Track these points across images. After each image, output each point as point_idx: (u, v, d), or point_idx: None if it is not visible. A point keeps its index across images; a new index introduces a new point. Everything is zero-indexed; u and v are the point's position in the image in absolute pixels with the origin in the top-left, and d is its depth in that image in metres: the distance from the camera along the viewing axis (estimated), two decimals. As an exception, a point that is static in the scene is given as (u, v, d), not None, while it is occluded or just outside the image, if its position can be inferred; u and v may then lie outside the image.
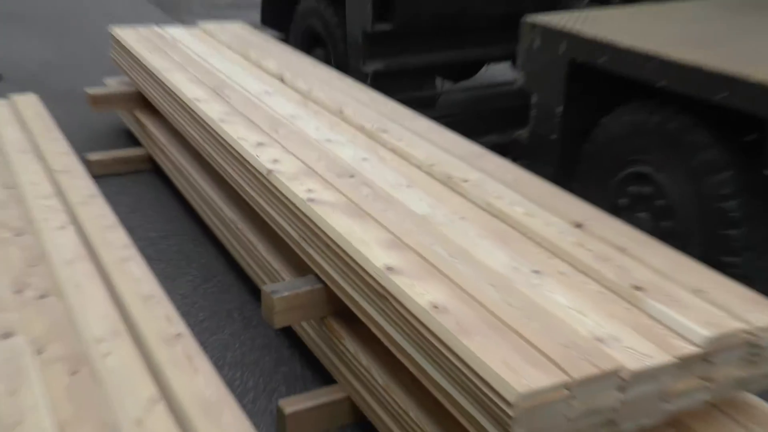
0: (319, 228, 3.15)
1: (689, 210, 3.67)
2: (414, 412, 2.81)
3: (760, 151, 3.31)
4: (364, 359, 3.08)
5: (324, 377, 3.48)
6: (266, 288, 3.23)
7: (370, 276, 2.81)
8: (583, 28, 4.09)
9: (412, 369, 2.67)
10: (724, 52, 3.61)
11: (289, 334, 3.79)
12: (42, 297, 2.85)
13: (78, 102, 6.83)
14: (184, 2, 11.38)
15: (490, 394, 2.23)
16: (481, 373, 2.27)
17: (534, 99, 4.40)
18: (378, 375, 3.00)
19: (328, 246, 3.11)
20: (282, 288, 3.23)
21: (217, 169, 4.26)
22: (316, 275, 3.26)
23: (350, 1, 5.76)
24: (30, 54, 8.59)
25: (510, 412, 2.16)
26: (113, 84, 6.16)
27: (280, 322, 3.22)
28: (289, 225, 3.44)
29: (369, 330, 2.94)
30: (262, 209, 3.71)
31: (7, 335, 2.59)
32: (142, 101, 5.77)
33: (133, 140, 6.06)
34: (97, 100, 5.95)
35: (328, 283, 3.17)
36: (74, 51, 8.70)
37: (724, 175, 3.54)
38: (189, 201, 4.98)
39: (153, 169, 5.70)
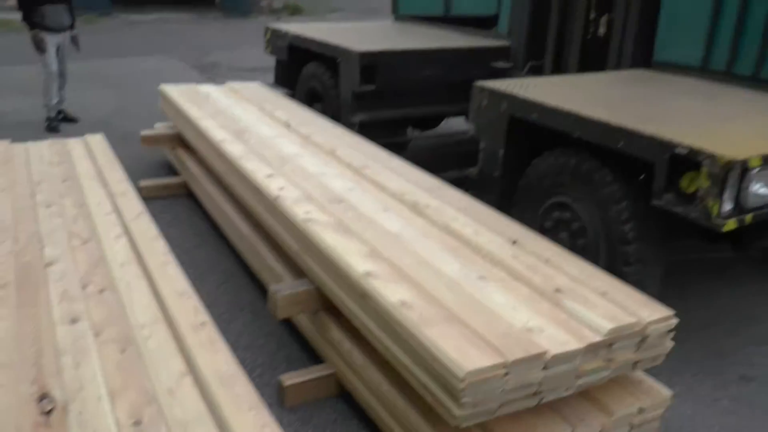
0: (314, 241, 3.13)
1: (597, 231, 3.66)
2: (385, 386, 2.80)
3: (649, 186, 3.30)
4: (347, 344, 3.05)
5: (315, 358, 3.43)
6: (272, 288, 3.20)
7: (353, 279, 2.80)
8: (520, 92, 4.09)
9: (384, 352, 2.66)
10: (622, 112, 3.61)
11: (288, 324, 3.73)
12: (101, 291, 2.84)
13: (134, 141, 6.80)
14: (216, 67, 11.36)
15: (445, 372, 2.26)
16: (438, 355, 2.29)
17: (482, 145, 4.39)
18: (358, 356, 2.98)
19: (320, 255, 3.09)
20: (284, 288, 3.21)
21: (236, 194, 4.22)
22: (311, 278, 3.22)
23: (343, 68, 5.75)
24: (100, 104, 8.57)
25: (460, 385, 2.19)
26: (160, 127, 6.11)
27: (282, 314, 3.21)
28: (291, 238, 3.42)
29: (351, 322, 2.91)
30: (270, 226, 3.69)
31: (74, 321, 2.60)
32: (181, 141, 5.73)
33: (173, 171, 6.01)
34: (148, 140, 5.92)
35: (320, 284, 3.14)
36: (133, 102, 8.68)
37: (622, 204, 3.53)
38: (214, 219, 4.94)
39: (188, 194, 5.64)
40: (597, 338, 2.44)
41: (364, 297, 2.73)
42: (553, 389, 2.41)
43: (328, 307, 3.23)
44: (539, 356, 2.30)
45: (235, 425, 2.10)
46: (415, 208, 3.49)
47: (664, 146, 3.18)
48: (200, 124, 4.94)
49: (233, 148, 4.36)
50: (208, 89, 6.16)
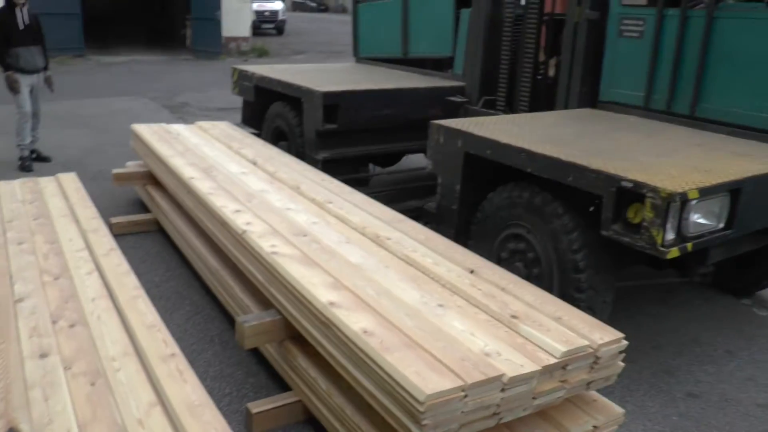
0: (279, 273, 3.11)
1: (550, 260, 3.69)
2: (349, 411, 2.77)
3: (598, 218, 3.35)
4: (312, 372, 3.02)
5: (282, 386, 3.38)
6: (239, 319, 3.17)
7: (317, 309, 2.79)
8: (474, 129, 4.13)
9: (348, 378, 2.64)
10: (571, 149, 3.67)
11: (256, 354, 3.69)
12: (72, 326, 2.81)
13: (105, 179, 6.77)
14: (186, 107, 11.32)
15: (406, 396, 2.25)
16: (399, 380, 2.28)
17: (439, 180, 4.42)
18: (323, 383, 2.95)
19: (285, 287, 3.06)
20: (251, 318, 3.18)
21: (205, 229, 4.19)
22: (277, 309, 3.20)
23: (306, 108, 5.78)
24: (73, 143, 8.45)
25: (420, 408, 2.18)
26: (132, 166, 6.05)
27: (249, 344, 3.17)
28: (257, 271, 3.39)
29: (316, 350, 2.89)
30: (237, 259, 3.65)
31: (44, 355, 2.56)
32: (152, 178, 5.67)
33: (144, 208, 5.94)
34: (120, 178, 5.85)
35: (286, 314, 3.11)
36: (105, 142, 8.59)
37: (573, 235, 3.57)
38: (184, 254, 4.88)
39: (159, 230, 5.57)
40: (552, 360, 2.46)
41: (327, 326, 2.71)
42: (510, 410, 2.41)
43: (294, 336, 3.20)
44: (497, 379, 2.30)
45: (204, 454, 2.06)
46: (377, 240, 3.49)
47: (611, 180, 3.24)
48: (170, 162, 4.91)
49: (202, 185, 4.33)
50: (178, 128, 6.13)
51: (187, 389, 2.39)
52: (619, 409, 2.84)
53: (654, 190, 3.05)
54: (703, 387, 3.69)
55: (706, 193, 3.13)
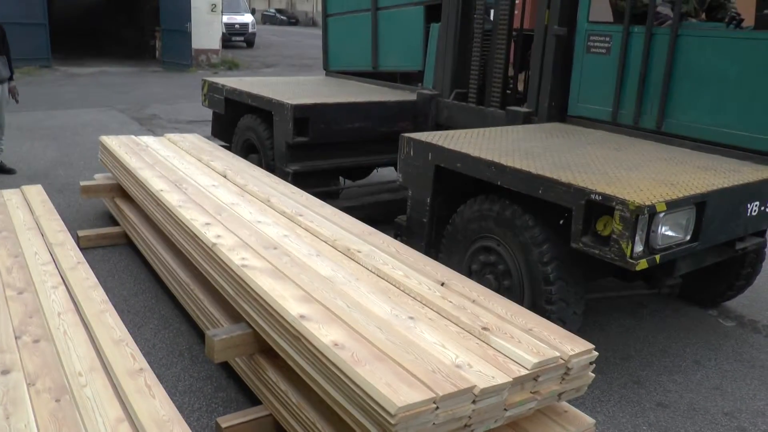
0: (249, 286, 3.09)
1: (521, 273, 3.72)
2: (320, 424, 2.75)
3: (568, 230, 3.38)
4: (282, 385, 3.00)
5: (252, 399, 3.35)
6: (209, 332, 3.13)
7: (287, 322, 2.77)
8: (444, 143, 4.16)
9: (318, 391, 2.62)
10: (540, 162, 3.71)
11: (226, 367, 3.65)
12: (36, 341, 2.75)
13: (73, 191, 6.71)
14: (155, 119, 11.22)
15: (377, 408, 2.24)
16: (370, 393, 2.27)
17: (410, 192, 4.44)
18: (293, 396, 2.92)
19: (256, 300, 3.04)
20: (221, 332, 3.14)
21: (174, 242, 4.15)
22: (247, 322, 3.17)
23: (277, 121, 5.77)
24: (38, 155, 8.33)
25: (391, 421, 2.17)
26: (100, 178, 5.98)
27: (219, 358, 3.13)
28: (227, 284, 3.36)
29: (287, 363, 2.87)
30: (207, 272, 3.62)
31: (6, 372, 2.51)
32: (120, 191, 5.61)
33: (113, 221, 5.86)
34: (87, 190, 5.76)
35: (256, 327, 3.08)
36: (72, 154, 8.47)
37: (543, 247, 3.60)
38: (153, 267, 4.82)
39: (127, 243, 5.49)
40: (523, 372, 2.47)
41: (298, 339, 2.69)
42: (482, 421, 2.41)
43: (264, 349, 3.17)
44: (468, 390, 2.29)
45: (172, 470, 2.03)
46: (347, 253, 3.48)
47: (580, 193, 3.28)
48: (139, 174, 4.85)
49: (171, 198, 4.28)
50: (147, 140, 6.07)
51: (155, 404, 2.36)
52: (590, 420, 2.86)
53: (623, 202, 3.09)
54: (671, 397, 3.73)
55: (673, 206, 3.18)
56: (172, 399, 2.43)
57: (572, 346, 2.66)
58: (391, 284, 3.15)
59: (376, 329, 2.66)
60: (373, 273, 3.27)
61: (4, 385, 2.41)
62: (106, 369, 2.57)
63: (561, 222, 3.54)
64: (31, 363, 2.57)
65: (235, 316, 3.46)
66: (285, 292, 2.96)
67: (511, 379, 2.41)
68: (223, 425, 3.05)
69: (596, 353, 2.70)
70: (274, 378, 3.04)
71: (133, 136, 6.20)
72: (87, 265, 3.55)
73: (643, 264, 3.16)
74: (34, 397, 2.36)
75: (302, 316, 2.73)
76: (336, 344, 2.51)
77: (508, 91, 5.36)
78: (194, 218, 3.89)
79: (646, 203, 3.06)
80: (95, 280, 3.38)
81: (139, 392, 2.42)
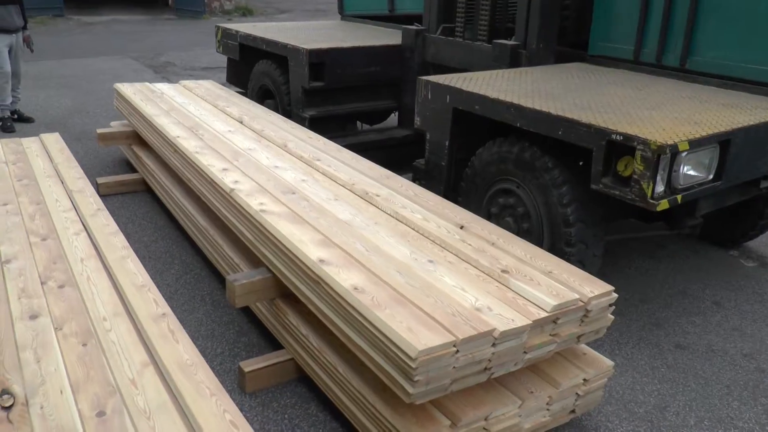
0: (269, 231, 3.09)
1: (540, 215, 3.69)
2: (341, 368, 2.77)
3: (588, 172, 3.34)
4: (303, 329, 3.02)
5: (274, 344, 3.38)
6: (229, 277, 3.15)
7: (307, 266, 2.77)
8: (462, 85, 4.08)
9: (339, 335, 2.63)
10: (560, 103, 3.64)
11: (247, 313, 3.68)
12: (61, 287, 2.78)
13: (90, 139, 6.72)
14: (170, 66, 11.14)
15: (397, 352, 2.24)
16: (390, 336, 2.27)
17: (428, 136, 4.38)
18: (314, 341, 2.94)
19: (275, 245, 3.04)
20: (241, 277, 3.15)
21: (193, 188, 4.15)
22: (267, 267, 3.18)
23: (292, 66, 5.70)
24: (55, 104, 8.33)
25: (412, 364, 2.17)
26: (116, 126, 5.95)
27: (240, 303, 3.15)
28: (246, 229, 3.36)
29: (307, 308, 2.88)
30: (226, 218, 3.62)
31: (35, 316, 2.54)
32: (137, 138, 5.59)
33: (131, 168, 5.87)
34: (104, 138, 5.75)
35: (276, 272, 3.09)
36: (88, 102, 8.46)
37: (563, 189, 3.56)
38: (172, 214, 4.83)
39: (146, 190, 5.52)
40: (542, 314, 2.46)
41: (317, 283, 2.69)
42: (502, 364, 2.42)
43: (284, 294, 3.19)
44: (488, 333, 2.30)
45: (198, 412, 2.05)
46: (366, 197, 3.47)
47: (601, 133, 3.21)
48: (155, 121, 4.83)
49: (188, 144, 4.27)
50: (162, 87, 6.03)
51: (179, 349, 2.38)
52: (608, 362, 2.87)
53: (644, 142, 3.03)
54: (690, 338, 3.73)
55: (696, 144, 3.11)
56: (194, 343, 2.45)
57: (591, 288, 2.65)
58: (410, 228, 3.14)
59: (395, 273, 2.66)
60: (392, 217, 3.25)
61: (33, 330, 2.44)
62: (130, 314, 2.59)
63: (581, 163, 3.48)
64: (58, 308, 2.60)
65: (255, 261, 3.48)
66: (304, 237, 2.96)
67: (530, 322, 2.40)
68: (246, 369, 3.09)
69: (616, 295, 2.69)
70: (295, 322, 3.06)
71: (147, 84, 6.16)
72: (107, 212, 3.57)
73: (664, 204, 3.11)
74: (62, 341, 2.39)
75: (322, 260, 2.73)
76: (356, 288, 2.52)
77: (497, 24, 5.23)
78: (211, 164, 3.88)
79: (668, 142, 2.99)
80: (116, 226, 3.40)
81: (162, 337, 2.44)
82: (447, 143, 4.22)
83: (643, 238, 4.77)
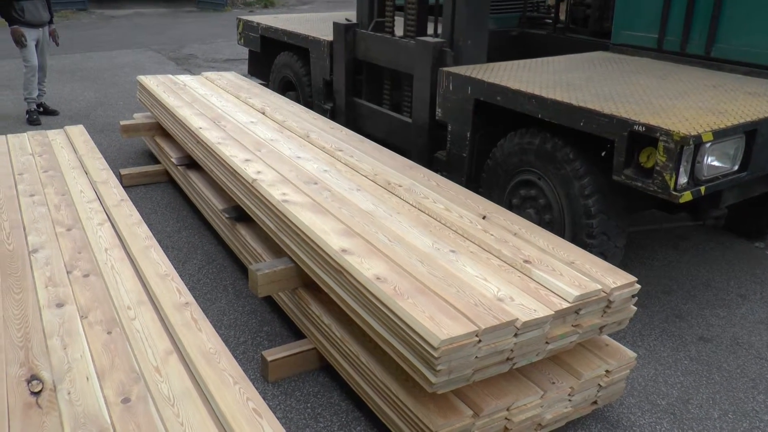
0: (291, 221, 3.10)
1: (562, 206, 3.67)
2: (364, 357, 2.78)
3: (610, 163, 3.31)
4: (326, 319, 3.03)
5: (296, 333, 3.41)
6: (252, 267, 3.16)
7: (329, 256, 2.78)
8: (484, 76, 4.07)
9: (361, 325, 2.64)
10: (582, 93, 3.61)
11: (270, 303, 3.71)
12: (86, 276, 2.82)
13: (113, 131, 6.79)
14: (192, 59, 11.20)
15: (420, 341, 2.24)
16: (413, 326, 2.28)
17: (449, 127, 4.37)
18: (336, 330, 2.95)
19: (297, 235, 3.06)
20: (264, 267, 3.17)
21: (215, 179, 4.17)
22: (289, 257, 3.19)
23: (314, 58, 5.71)
24: (79, 97, 8.41)
25: (434, 354, 2.18)
26: (139, 117, 6.00)
27: (262, 292, 3.16)
28: (269, 219, 3.38)
29: (329, 297, 2.89)
30: (249, 208, 3.64)
31: (61, 305, 2.58)
32: (160, 130, 5.64)
33: (153, 159, 5.92)
34: (127, 129, 5.80)
35: (298, 262, 3.11)
36: (111, 94, 8.53)
37: (585, 180, 3.54)
38: (195, 204, 4.87)
39: (168, 181, 5.58)
40: (565, 305, 2.46)
41: (340, 273, 2.71)
42: (524, 355, 2.42)
43: (306, 284, 3.21)
44: (510, 323, 2.30)
45: (221, 399, 2.07)
46: (388, 187, 3.47)
47: (623, 124, 3.19)
48: (178, 113, 4.87)
49: (211, 135, 4.29)
50: (185, 79, 6.07)
51: (202, 337, 2.40)
52: (631, 354, 2.85)
53: (667, 133, 3.00)
54: (714, 331, 3.69)
55: (720, 135, 3.08)
56: (217, 332, 2.47)
57: (614, 279, 2.63)
58: (432, 218, 3.14)
59: (417, 263, 2.66)
60: (414, 207, 3.26)
61: (59, 317, 2.48)
62: (154, 303, 2.62)
63: (603, 154, 3.46)
64: (83, 296, 2.64)
65: (277, 251, 3.50)
66: (326, 226, 2.97)
67: (552, 312, 2.40)
68: (269, 358, 3.11)
69: (638, 286, 2.67)
70: (318, 312, 3.08)
71: (170, 75, 6.20)
72: (130, 203, 3.61)
73: (687, 196, 3.08)
74: (87, 329, 2.42)
75: (344, 250, 2.74)
76: (378, 278, 2.52)
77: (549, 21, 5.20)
78: (234, 155, 3.91)
79: (692, 133, 2.96)
80: (139, 216, 3.43)
81: (186, 325, 2.47)
82: (468, 134, 4.21)
83: (666, 229, 4.73)
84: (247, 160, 3.81)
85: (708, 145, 3.06)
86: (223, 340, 2.46)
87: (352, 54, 5.31)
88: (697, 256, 4.55)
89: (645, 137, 3.12)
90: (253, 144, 4.13)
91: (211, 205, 4.39)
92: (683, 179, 3.07)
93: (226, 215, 4.04)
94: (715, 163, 3.20)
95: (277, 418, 2.08)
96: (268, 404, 2.14)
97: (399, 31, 5.06)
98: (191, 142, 4.56)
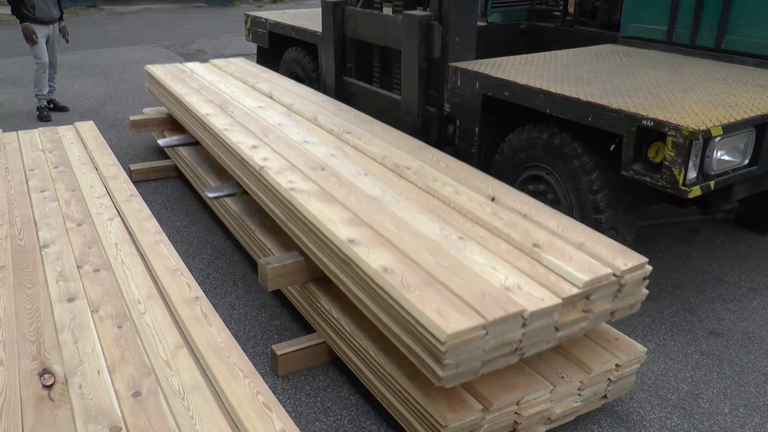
0: (298, 211, 3.09)
1: (570, 201, 3.66)
2: (373, 351, 2.78)
3: (618, 157, 3.30)
4: (335, 313, 3.04)
5: (306, 328, 3.42)
6: (261, 261, 3.18)
7: (336, 247, 2.77)
8: (492, 71, 4.06)
9: (370, 316, 2.62)
10: (590, 88, 3.60)
11: (279, 297, 3.72)
12: (96, 271, 2.83)
13: (123, 126, 6.82)
14: (201, 54, 11.23)
15: (427, 335, 2.22)
16: (420, 319, 2.25)
17: (458, 122, 4.37)
18: (346, 324, 2.96)
19: (304, 224, 3.05)
20: (273, 260, 3.18)
21: (224, 166, 4.16)
22: (299, 251, 3.20)
23: (322, 53, 5.69)
24: (89, 93, 8.44)
25: (441, 348, 2.16)
26: (149, 112, 6.03)
27: (272, 286, 3.18)
28: (276, 207, 3.37)
29: (339, 290, 2.90)
30: (257, 196, 3.63)
31: (72, 299, 2.60)
32: (169, 125, 5.66)
33: (163, 154, 5.94)
34: (137, 125, 5.83)
35: (306, 251, 3.10)
36: (121, 90, 8.57)
37: (593, 175, 3.52)
38: (204, 198, 4.87)
39: (178, 176, 5.60)
40: (574, 291, 2.41)
41: (347, 264, 2.69)
42: (533, 344, 2.39)
43: (315, 278, 3.21)
44: (517, 315, 2.26)
45: (231, 393, 2.08)
46: (396, 170, 3.44)
47: (631, 119, 3.17)
48: (185, 100, 4.87)
49: (218, 122, 4.28)
50: (192, 66, 6.07)
51: (212, 331, 2.41)
52: (641, 348, 2.84)
53: (675, 128, 2.99)
54: (725, 325, 3.68)
55: (730, 129, 3.06)
56: (227, 327, 2.48)
57: (625, 261, 2.59)
58: (441, 201, 3.11)
59: (425, 252, 2.63)
60: (423, 190, 3.22)
61: (70, 312, 2.50)
62: (163, 297, 2.64)
63: (611, 149, 3.45)
64: (93, 291, 2.65)
65: (286, 245, 3.50)
66: (333, 215, 2.95)
67: (561, 300, 2.36)
68: (279, 352, 3.12)
69: (650, 267, 2.63)
70: (327, 306, 3.09)
71: (177, 64, 6.22)
72: (140, 198, 3.62)
73: (696, 191, 3.07)
74: (98, 323, 2.44)
75: (351, 241, 2.72)
76: (385, 269, 2.50)
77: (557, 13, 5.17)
78: (241, 141, 3.90)
79: (701, 128, 2.94)
80: (149, 211, 3.44)
81: (195, 320, 2.48)
82: (477, 130, 4.20)
83: (676, 223, 4.71)
84: (254, 147, 3.80)
85: (717, 139, 3.04)
86: (232, 334, 2.47)
87: (341, 32, 5.25)
88: (707, 250, 4.53)
89: (653, 132, 3.11)
90: (261, 129, 4.12)
91: (221, 199, 4.40)
92: (692, 174, 3.06)
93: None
94: (725, 158, 3.18)
95: (287, 412, 2.09)
96: (278, 398, 2.15)
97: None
98: (199, 129, 4.56)
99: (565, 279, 2.48)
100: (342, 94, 5.37)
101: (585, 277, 2.45)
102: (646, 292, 2.69)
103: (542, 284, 2.44)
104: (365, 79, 5.34)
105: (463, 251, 2.66)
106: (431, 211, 3.01)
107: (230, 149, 3.93)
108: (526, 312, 2.28)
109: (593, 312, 2.52)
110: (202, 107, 4.65)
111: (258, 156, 3.66)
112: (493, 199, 3.11)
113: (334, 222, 2.90)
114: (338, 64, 5.36)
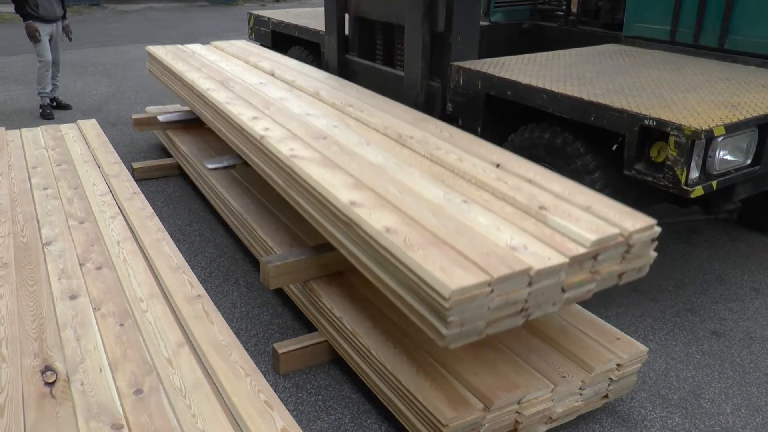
0: (299, 176, 3.05)
1: (572, 200, 3.65)
2: (375, 350, 2.78)
3: (620, 157, 3.30)
4: (337, 312, 3.03)
5: (307, 326, 3.42)
6: (263, 259, 3.18)
7: (338, 209, 2.71)
8: (494, 70, 4.05)
9: (372, 279, 2.54)
10: (592, 87, 3.60)
11: (281, 295, 3.73)
12: (98, 268, 2.84)
13: (125, 125, 6.83)
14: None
15: (431, 292, 2.14)
16: (423, 277, 2.17)
17: (460, 122, 4.36)
18: (347, 323, 2.96)
19: (306, 189, 3.00)
20: (275, 259, 3.18)
21: (224, 139, 4.13)
22: (302, 249, 3.19)
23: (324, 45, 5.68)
24: (92, 91, 8.46)
25: (446, 305, 2.07)
26: (151, 111, 6.04)
27: (274, 284, 3.17)
28: (277, 175, 3.33)
29: (341, 289, 2.89)
30: (257, 165, 3.60)
31: (74, 297, 2.60)
32: (171, 123, 5.66)
33: (165, 153, 5.95)
34: (139, 123, 5.84)
35: (307, 216, 3.05)
36: (124, 89, 8.59)
37: (595, 175, 3.52)
38: (206, 197, 4.89)
39: (180, 174, 5.61)
40: (581, 251, 2.33)
41: (349, 225, 2.63)
42: (539, 305, 2.30)
43: (317, 276, 3.22)
44: (524, 272, 2.18)
45: (232, 391, 2.09)
46: (399, 140, 3.41)
47: (633, 119, 3.17)
48: (186, 77, 4.86)
49: (219, 96, 4.27)
50: (194, 47, 6.08)
51: (214, 330, 2.42)
52: (642, 347, 2.84)
53: (678, 128, 2.98)
54: (727, 325, 3.67)
55: (732, 129, 3.05)
56: (229, 325, 2.48)
57: (633, 222, 2.51)
58: (445, 168, 3.05)
59: (428, 214, 2.56)
60: (426, 158, 3.17)
61: (72, 309, 2.51)
62: (165, 295, 2.64)
63: (614, 148, 3.44)
64: (96, 289, 2.66)
65: (288, 243, 3.50)
66: (335, 180, 2.89)
67: (568, 259, 2.27)
68: (280, 351, 3.13)
69: (659, 229, 2.55)
70: (329, 305, 3.08)
71: (179, 45, 6.23)
72: (142, 196, 3.63)
73: (698, 191, 3.07)
74: (100, 320, 2.44)
75: (353, 203, 2.66)
76: (388, 229, 2.43)
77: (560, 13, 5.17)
78: (242, 113, 3.87)
79: (703, 128, 2.94)
80: (151, 210, 3.45)
81: (197, 318, 2.48)
82: (479, 129, 4.20)
83: (678, 222, 4.70)
84: (254, 118, 3.77)
85: (720, 139, 3.04)
86: (234, 332, 2.47)
87: (343, 9, 5.25)
88: (709, 250, 4.52)
89: (656, 132, 3.11)
90: (262, 103, 4.10)
91: (223, 198, 4.41)
92: (694, 174, 3.05)
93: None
94: (728, 157, 3.18)
95: (289, 410, 2.09)
96: (279, 396, 2.15)
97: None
98: (199, 104, 4.54)
99: (572, 239, 2.39)
100: (345, 72, 5.34)
101: (592, 237, 2.37)
102: (654, 254, 2.60)
103: (549, 244, 2.36)
104: (368, 58, 5.33)
105: (468, 213, 2.58)
106: (435, 176, 2.95)
107: (231, 121, 3.89)
108: (533, 270, 2.19)
109: (600, 273, 2.43)
110: (202, 83, 4.63)
111: (259, 126, 3.62)
112: (498, 166, 3.04)
113: (335, 186, 2.83)
114: (340, 42, 5.33)
